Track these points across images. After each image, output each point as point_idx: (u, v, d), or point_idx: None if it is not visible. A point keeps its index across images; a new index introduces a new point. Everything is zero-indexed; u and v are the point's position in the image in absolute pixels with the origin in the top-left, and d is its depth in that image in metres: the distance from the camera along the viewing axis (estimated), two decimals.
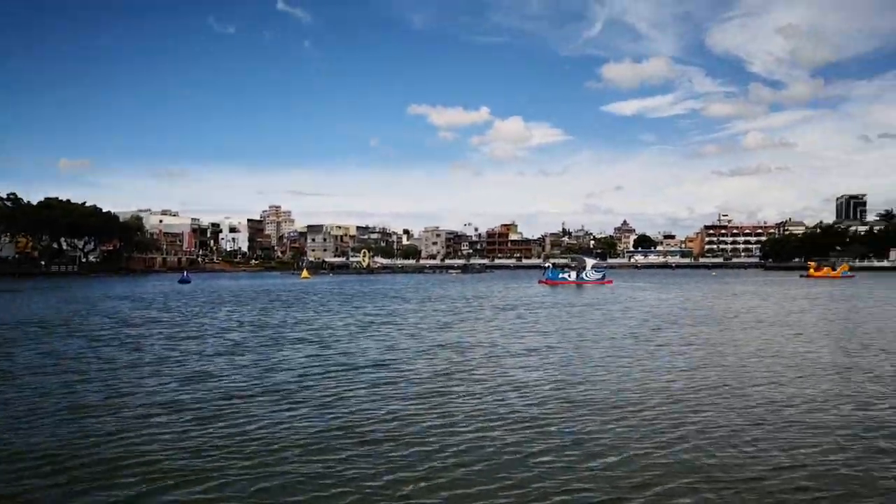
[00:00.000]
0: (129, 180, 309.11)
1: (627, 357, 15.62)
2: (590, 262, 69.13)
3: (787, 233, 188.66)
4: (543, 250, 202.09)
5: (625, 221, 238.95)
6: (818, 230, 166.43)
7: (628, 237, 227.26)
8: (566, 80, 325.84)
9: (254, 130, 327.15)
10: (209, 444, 8.26)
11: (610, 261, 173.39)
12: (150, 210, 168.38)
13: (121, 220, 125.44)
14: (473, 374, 13.31)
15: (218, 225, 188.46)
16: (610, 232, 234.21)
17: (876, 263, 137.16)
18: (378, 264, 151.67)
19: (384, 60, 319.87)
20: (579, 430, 8.89)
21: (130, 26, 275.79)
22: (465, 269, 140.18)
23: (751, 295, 44.29)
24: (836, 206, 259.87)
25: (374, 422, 9.37)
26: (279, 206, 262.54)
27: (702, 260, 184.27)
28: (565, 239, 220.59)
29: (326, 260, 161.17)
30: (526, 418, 9.56)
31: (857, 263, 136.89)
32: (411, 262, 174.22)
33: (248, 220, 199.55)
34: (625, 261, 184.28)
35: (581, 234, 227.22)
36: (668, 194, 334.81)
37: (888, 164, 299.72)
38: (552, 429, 8.97)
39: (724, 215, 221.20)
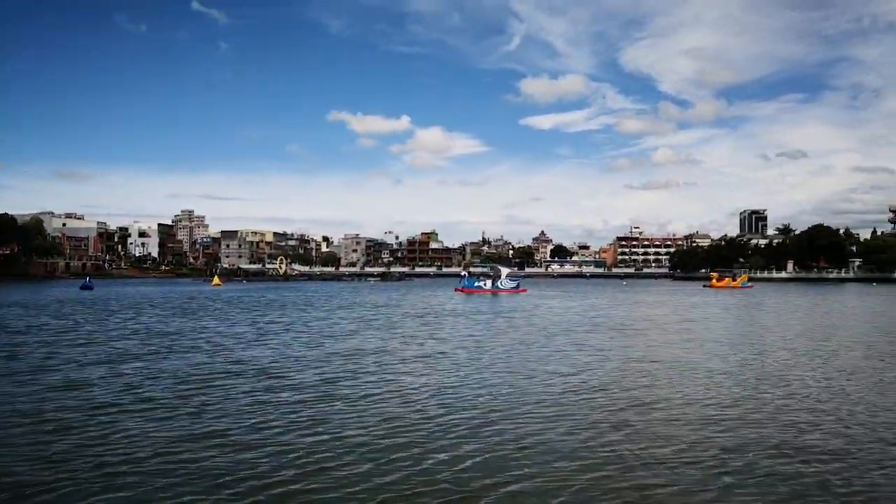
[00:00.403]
0: (31, 182, 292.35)
1: (515, 362, 16.04)
2: (505, 271, 70.08)
3: (694, 245, 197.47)
4: (464, 259, 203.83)
5: (542, 232, 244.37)
6: (723, 243, 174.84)
7: (546, 247, 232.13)
8: (486, 92, 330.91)
9: (166, 132, 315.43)
10: (64, 453, 7.98)
11: (528, 270, 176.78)
12: (52, 213, 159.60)
13: (19, 222, 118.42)
14: (359, 381, 13.35)
15: (126, 229, 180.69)
16: (528, 242, 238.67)
17: (775, 275, 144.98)
18: (295, 271, 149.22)
19: (303, 65, 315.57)
20: (446, 435, 9.07)
21: (34, 22, 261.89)
22: (384, 277, 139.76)
23: (651, 304, 46.18)
24: (740, 219, 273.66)
25: (243, 429, 9.27)
26: (192, 211, 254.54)
27: (614, 270, 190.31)
28: (485, 248, 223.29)
29: (241, 267, 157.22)
30: (399, 423, 9.69)
31: (758, 274, 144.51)
32: (330, 269, 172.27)
33: (159, 225, 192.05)
34: (542, 270, 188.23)
35: (500, 243, 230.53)
36: (583, 206, 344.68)
37: (786, 182, 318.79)
38: (422, 433, 9.13)
39: (635, 227, 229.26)
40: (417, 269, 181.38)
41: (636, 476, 7.37)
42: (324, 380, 13.41)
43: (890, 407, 11.13)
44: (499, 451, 8.29)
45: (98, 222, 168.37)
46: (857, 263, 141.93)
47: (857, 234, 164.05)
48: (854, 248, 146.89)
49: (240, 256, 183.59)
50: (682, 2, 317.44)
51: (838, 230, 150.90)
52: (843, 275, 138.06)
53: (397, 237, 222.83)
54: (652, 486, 7.07)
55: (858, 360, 16.93)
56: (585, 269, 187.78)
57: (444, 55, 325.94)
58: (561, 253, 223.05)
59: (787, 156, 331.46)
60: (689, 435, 9.16)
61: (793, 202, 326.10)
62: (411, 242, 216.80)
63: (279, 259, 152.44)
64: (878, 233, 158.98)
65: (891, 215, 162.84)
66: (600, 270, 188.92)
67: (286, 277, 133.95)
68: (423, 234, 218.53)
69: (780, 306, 43.16)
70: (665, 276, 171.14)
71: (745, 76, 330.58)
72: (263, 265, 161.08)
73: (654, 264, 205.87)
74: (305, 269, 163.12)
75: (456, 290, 65.12)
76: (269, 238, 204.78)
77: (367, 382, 13.20)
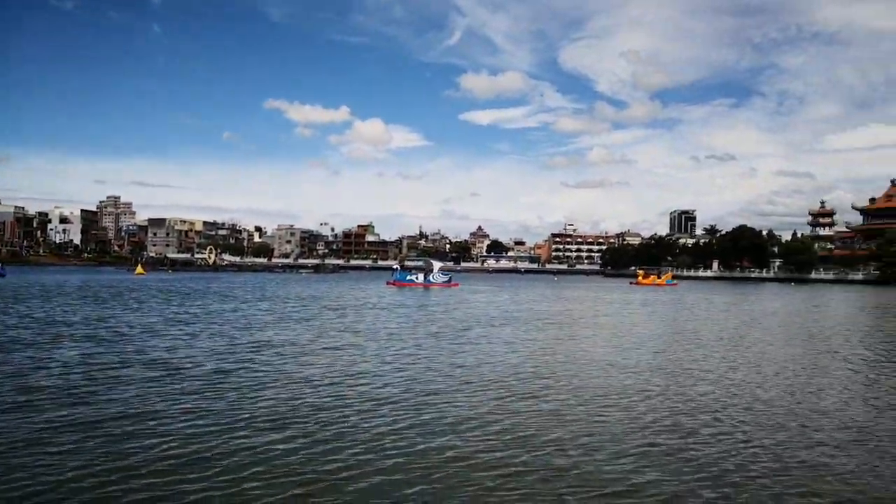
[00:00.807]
0: None
1: (423, 355, 16.03)
2: (437, 265, 70.11)
3: (625, 243, 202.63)
4: (400, 252, 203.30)
5: (480, 227, 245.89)
6: (652, 241, 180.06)
7: (482, 242, 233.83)
8: (426, 86, 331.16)
9: (93, 115, 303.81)
10: None
11: (464, 264, 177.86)
12: None
13: None
14: (254, 372, 13.07)
15: (46, 214, 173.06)
16: (466, 237, 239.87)
17: (701, 273, 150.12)
18: (225, 262, 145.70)
19: (241, 51, 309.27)
20: (324, 429, 8.94)
21: None
22: (317, 269, 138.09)
23: (574, 299, 47.06)
24: (670, 219, 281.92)
25: (121, 419, 8.92)
26: (118, 197, 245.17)
27: (548, 266, 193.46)
28: (422, 242, 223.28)
29: (169, 256, 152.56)
30: (285, 414, 9.51)
31: (685, 273, 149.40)
32: (262, 260, 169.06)
33: (83, 211, 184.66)
34: (478, 265, 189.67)
35: (437, 237, 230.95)
36: (521, 202, 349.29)
37: (715, 183, 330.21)
38: (309, 425, 8.99)
39: (569, 224, 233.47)
40: (353, 262, 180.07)
41: (504, 464, 7.44)
42: (219, 370, 13.06)
43: (759, 398, 11.60)
44: (373, 440, 8.25)
45: (15, 207, 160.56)
46: (777, 264, 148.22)
47: (780, 236, 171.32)
48: (776, 250, 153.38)
49: (168, 245, 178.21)
50: (621, 4, 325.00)
51: (761, 232, 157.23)
52: (764, 274, 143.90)
53: (333, 229, 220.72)
54: (521, 472, 7.14)
55: (745, 353, 17.67)
56: (520, 265, 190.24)
57: (385, 47, 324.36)
58: (497, 248, 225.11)
59: (716, 158, 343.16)
60: (568, 423, 9.30)
61: (721, 203, 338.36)
62: (347, 235, 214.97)
63: (208, 249, 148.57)
64: (799, 235, 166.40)
65: (810, 218, 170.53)
66: (534, 266, 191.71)
67: (215, 268, 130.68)
68: (359, 226, 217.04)
69: (695, 303, 44.60)
70: (597, 272, 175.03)
71: (679, 79, 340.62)
72: (192, 255, 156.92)
73: (586, 261, 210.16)
74: (236, 259, 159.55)
75: (388, 283, 64.83)
76: (199, 227, 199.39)
77: (262, 374, 12.92)
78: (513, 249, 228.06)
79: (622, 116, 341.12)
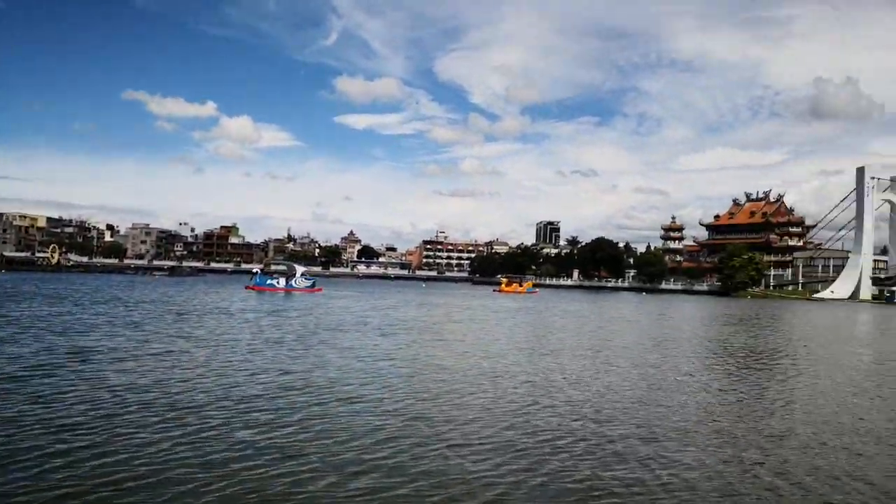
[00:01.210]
0: None
1: (252, 361, 15.41)
2: (300, 269, 68.11)
3: (493, 252, 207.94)
4: (266, 255, 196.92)
5: (351, 232, 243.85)
6: (519, 250, 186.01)
7: (354, 247, 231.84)
8: (300, 85, 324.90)
9: None
10: None
11: (333, 269, 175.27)
12: None
13: None
14: (58, 378, 11.88)
15: None
16: (337, 241, 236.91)
17: (562, 282, 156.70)
18: (71, 262, 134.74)
19: (98, 35, 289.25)
20: (122, 435, 8.21)
21: None
22: (173, 271, 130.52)
23: (435, 305, 47.36)
24: (537, 229, 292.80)
25: None
26: None
27: (418, 272, 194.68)
28: (290, 245, 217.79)
29: (5, 254, 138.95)
30: (80, 423, 8.58)
31: (547, 281, 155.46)
32: (114, 261, 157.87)
33: None
34: (347, 270, 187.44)
35: (306, 241, 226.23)
36: (394, 209, 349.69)
37: (578, 197, 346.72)
38: (98, 435, 8.21)
39: (441, 232, 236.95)
40: (214, 265, 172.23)
41: (297, 468, 7.11)
42: (13, 377, 11.73)
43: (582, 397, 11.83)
44: (167, 451, 7.65)
45: None
46: (632, 274, 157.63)
47: (636, 248, 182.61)
48: (632, 261, 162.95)
49: (4, 243, 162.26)
50: (496, 20, 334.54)
51: (617, 244, 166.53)
52: (619, 284, 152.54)
53: (193, 230, 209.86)
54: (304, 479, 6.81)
55: (572, 357, 18.28)
56: (391, 271, 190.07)
57: (257, 42, 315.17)
58: (368, 254, 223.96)
59: (581, 173, 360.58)
60: (377, 429, 9.06)
61: (584, 216, 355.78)
62: (209, 236, 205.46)
63: (51, 247, 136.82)
64: (652, 248, 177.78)
65: (662, 232, 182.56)
66: (405, 272, 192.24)
67: (58, 268, 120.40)
68: (222, 227, 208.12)
69: (545, 310, 46.31)
70: (465, 280, 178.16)
71: (548, 96, 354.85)
72: (33, 254, 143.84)
73: (456, 268, 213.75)
74: (84, 259, 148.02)
75: (247, 287, 62.22)
76: (42, 223, 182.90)
77: (66, 381, 11.80)
78: (384, 255, 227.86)
79: (495, 129, 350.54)
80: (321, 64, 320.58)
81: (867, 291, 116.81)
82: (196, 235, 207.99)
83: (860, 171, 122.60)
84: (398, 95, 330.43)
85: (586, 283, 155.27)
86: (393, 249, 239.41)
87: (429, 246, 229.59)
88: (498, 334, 25.63)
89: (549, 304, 58.28)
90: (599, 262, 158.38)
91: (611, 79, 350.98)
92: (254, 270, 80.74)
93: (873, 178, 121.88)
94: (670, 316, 46.03)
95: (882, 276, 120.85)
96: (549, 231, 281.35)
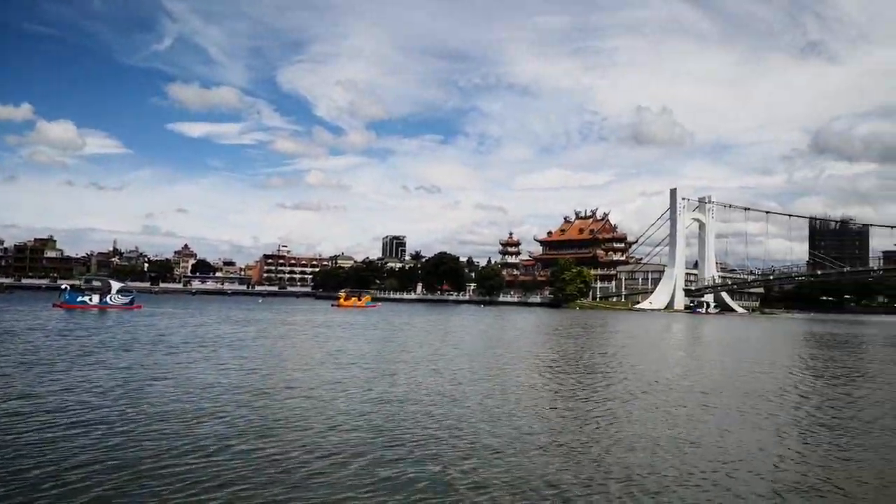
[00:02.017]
0: None
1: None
2: (116, 284, 62.53)
3: (337, 266, 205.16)
4: (88, 270, 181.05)
5: (185, 245, 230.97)
6: (363, 265, 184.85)
7: (187, 262, 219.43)
8: (129, 91, 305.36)
9: None
10: None
11: (164, 285, 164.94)
12: None
13: None
14: None
15: None
16: (169, 255, 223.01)
17: (405, 296, 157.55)
18: None
19: None
20: None
21: None
22: None
23: (259, 321, 45.36)
24: (383, 244, 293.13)
25: None
26: None
27: (258, 288, 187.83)
28: (115, 259, 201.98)
29: None
30: None
31: (391, 295, 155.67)
32: None
33: None
34: (180, 286, 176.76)
35: (134, 255, 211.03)
36: (233, 221, 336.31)
37: (423, 212, 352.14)
38: None
39: (283, 246, 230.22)
40: (26, 281, 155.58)
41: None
42: None
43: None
44: None
45: None
46: (472, 288, 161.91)
47: (478, 263, 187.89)
48: (473, 275, 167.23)
49: None
50: (342, 35, 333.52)
51: (459, 258, 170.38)
52: (460, 297, 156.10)
53: (2, 242, 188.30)
54: None
55: (379, 366, 17.73)
56: (228, 287, 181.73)
57: (82, 42, 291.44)
58: (204, 268, 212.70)
59: (425, 189, 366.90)
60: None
61: (429, 231, 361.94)
62: (20, 249, 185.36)
63: None
64: (492, 262, 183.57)
65: (500, 247, 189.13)
66: (243, 288, 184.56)
67: None
68: (37, 240, 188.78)
69: (376, 323, 45.78)
70: (308, 294, 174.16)
71: (393, 113, 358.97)
72: None
73: (299, 283, 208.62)
74: None
75: (54, 305, 56.16)
76: None
77: None
78: (221, 270, 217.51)
79: (340, 142, 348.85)
80: (153, 69, 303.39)
81: (681, 302, 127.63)
82: (6, 249, 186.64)
83: (673, 193, 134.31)
84: (238, 105, 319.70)
85: (429, 296, 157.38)
86: (231, 264, 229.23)
87: (270, 260, 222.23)
88: (313, 348, 24.60)
89: (385, 317, 57.87)
90: (442, 275, 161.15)
91: (453, 98, 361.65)
92: (63, 287, 73.39)
93: (684, 198, 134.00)
94: (490, 326, 47.18)
95: (693, 287, 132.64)
96: (394, 245, 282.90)
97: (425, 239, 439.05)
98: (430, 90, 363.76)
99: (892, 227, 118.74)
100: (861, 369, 23.84)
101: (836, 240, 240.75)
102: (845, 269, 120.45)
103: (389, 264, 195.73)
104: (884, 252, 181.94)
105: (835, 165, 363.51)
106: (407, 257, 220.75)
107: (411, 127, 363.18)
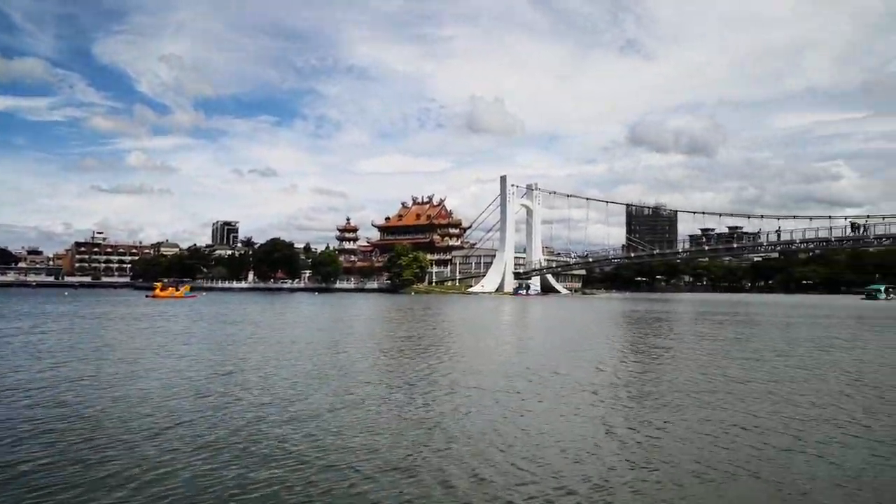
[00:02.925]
0: None
1: None
2: None
3: (160, 254, 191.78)
4: None
5: None
6: (187, 252, 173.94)
7: None
8: None
9: None
10: None
11: None
12: None
13: None
14: None
15: None
16: None
17: (235, 285, 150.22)
18: None
19: None
20: None
21: None
22: None
23: (47, 315, 40.22)
24: (213, 230, 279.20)
25: None
26: None
27: (69, 279, 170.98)
28: None
29: None
30: None
31: (220, 284, 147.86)
32: None
33: None
34: None
35: None
36: (41, 206, 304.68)
37: (259, 197, 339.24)
38: None
39: (99, 233, 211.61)
40: None
41: None
42: None
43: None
44: None
45: None
46: (308, 275, 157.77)
47: (316, 249, 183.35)
48: (311, 261, 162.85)
49: None
50: (167, 6, 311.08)
51: (292, 244, 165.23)
52: (295, 285, 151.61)
53: None
54: None
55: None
56: (32, 278, 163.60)
57: None
58: (5, 258, 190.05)
59: (259, 172, 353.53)
60: None
61: (265, 216, 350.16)
62: None
63: None
64: (330, 248, 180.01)
65: (338, 233, 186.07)
66: (51, 279, 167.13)
67: None
68: None
69: (177, 315, 42.26)
70: (127, 285, 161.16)
71: (224, 91, 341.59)
72: None
73: (117, 273, 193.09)
74: None
75: None
76: None
77: None
78: (25, 260, 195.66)
79: (165, 122, 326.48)
80: None
81: (511, 285, 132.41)
82: None
83: (503, 180, 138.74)
84: (46, 77, 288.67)
85: (262, 284, 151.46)
86: (37, 252, 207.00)
87: (83, 248, 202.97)
88: (84, 344, 21.57)
89: (206, 307, 53.94)
90: (276, 263, 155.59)
91: (289, 79, 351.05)
92: None
93: (514, 185, 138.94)
94: (307, 316, 45.40)
95: (521, 271, 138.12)
96: (226, 232, 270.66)
97: (261, 225, 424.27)
98: (265, 70, 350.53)
99: (694, 213, 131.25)
100: (668, 346, 24.94)
101: (649, 225, 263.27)
102: (654, 252, 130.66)
103: (218, 251, 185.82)
104: (690, 236, 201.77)
105: (649, 156, 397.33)
106: (239, 244, 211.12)
107: (244, 107, 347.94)
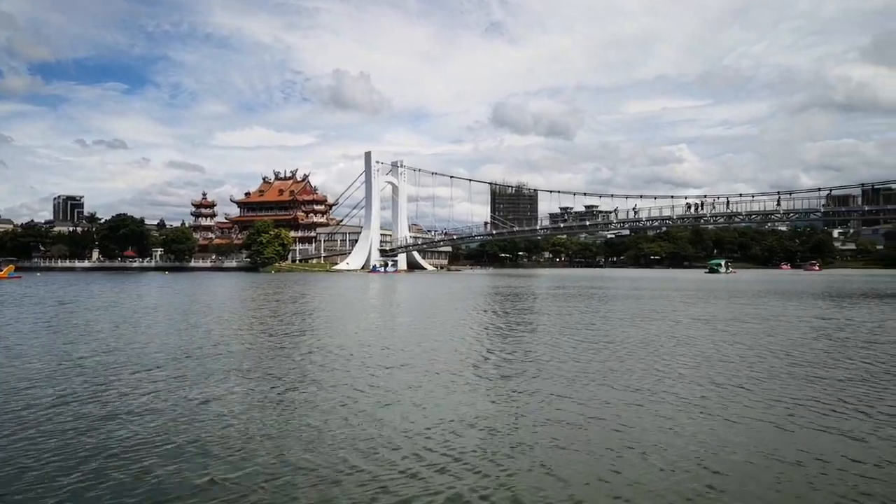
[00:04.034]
0: None
1: None
2: None
3: None
4: None
5: None
6: (20, 229, 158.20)
7: None
8: None
9: None
10: None
11: None
12: None
13: None
14: None
15: None
16: None
17: (78, 264, 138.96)
18: None
19: None
20: None
21: None
22: None
23: None
24: (55, 205, 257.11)
25: None
26: None
27: None
28: None
29: None
30: None
31: (59, 264, 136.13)
32: None
33: None
34: None
35: None
36: None
37: (107, 170, 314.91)
38: None
39: None
40: None
41: None
42: None
43: None
44: None
45: None
46: (159, 253, 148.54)
47: (172, 226, 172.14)
48: (163, 238, 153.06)
49: None
50: None
51: (142, 220, 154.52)
52: (146, 264, 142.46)
53: None
54: None
55: None
56: None
57: None
58: None
59: (106, 144, 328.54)
60: None
61: (115, 191, 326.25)
62: None
63: None
64: (187, 225, 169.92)
65: (194, 209, 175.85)
66: None
67: None
68: None
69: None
70: None
71: (65, 55, 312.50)
72: None
73: None
74: None
75: None
76: None
77: None
78: None
79: None
80: None
81: (378, 262, 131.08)
82: None
83: (367, 156, 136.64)
84: None
85: (108, 263, 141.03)
86: None
87: None
88: None
89: (24, 289, 48.47)
90: (123, 240, 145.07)
91: (140, 44, 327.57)
92: None
93: (378, 162, 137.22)
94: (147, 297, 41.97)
95: (388, 248, 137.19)
96: (69, 207, 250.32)
97: (110, 200, 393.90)
98: (112, 33, 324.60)
99: (551, 192, 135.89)
100: (531, 320, 24.73)
101: (513, 203, 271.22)
102: (514, 229, 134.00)
103: (59, 228, 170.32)
104: (550, 214, 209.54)
105: (511, 137, 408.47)
106: (84, 221, 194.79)
107: (88, 73, 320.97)
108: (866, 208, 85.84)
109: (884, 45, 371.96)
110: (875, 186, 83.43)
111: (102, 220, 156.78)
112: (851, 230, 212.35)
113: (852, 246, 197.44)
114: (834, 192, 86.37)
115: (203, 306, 32.06)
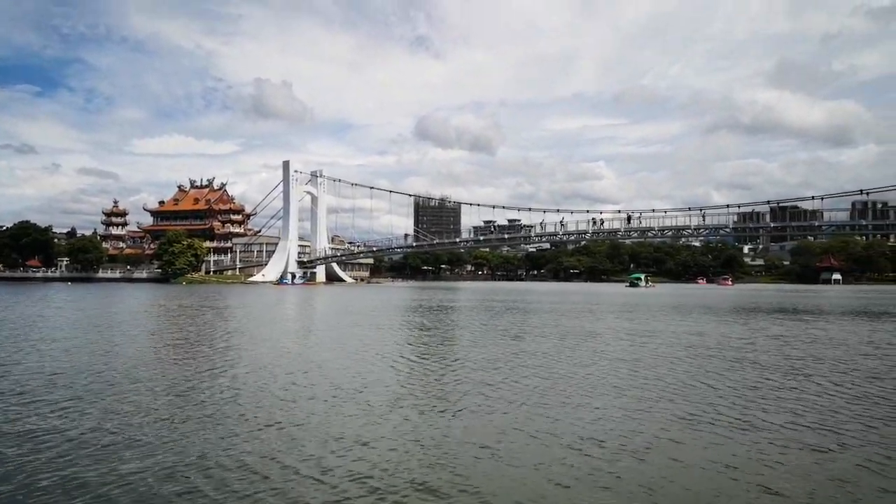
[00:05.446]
0: None
1: None
2: None
3: None
4: None
5: None
6: None
7: None
8: None
9: None
10: None
11: None
12: None
13: None
14: None
15: None
16: None
17: None
18: None
19: None
20: None
21: None
22: None
23: None
24: None
25: None
26: None
27: None
28: None
29: None
30: None
31: None
32: None
33: None
34: None
35: None
36: None
37: (11, 176, 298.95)
38: None
39: None
40: None
41: None
42: None
43: None
44: None
45: None
46: (65, 263, 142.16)
47: (83, 235, 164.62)
48: (69, 248, 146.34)
49: None
50: None
51: (48, 229, 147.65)
52: (50, 274, 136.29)
53: None
54: None
55: None
56: None
57: None
58: None
59: (13, 148, 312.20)
60: None
61: (22, 198, 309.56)
62: None
63: None
64: (97, 234, 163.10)
65: (104, 217, 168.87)
66: None
67: None
68: None
69: None
70: None
71: None
72: None
73: None
74: None
75: None
76: None
77: None
78: None
79: None
80: None
81: (298, 274, 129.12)
82: None
83: (286, 165, 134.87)
84: None
85: (8, 273, 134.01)
86: None
87: None
88: None
89: None
90: (25, 249, 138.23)
91: (53, 46, 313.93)
92: None
93: (297, 171, 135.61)
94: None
95: (306, 259, 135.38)
96: None
97: (15, 208, 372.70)
98: (22, 33, 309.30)
99: (471, 205, 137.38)
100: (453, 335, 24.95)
101: (436, 216, 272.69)
102: (435, 241, 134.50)
103: None
104: (474, 227, 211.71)
105: (435, 150, 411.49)
106: None
107: None
108: (773, 225, 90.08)
109: (787, 69, 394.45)
110: (781, 204, 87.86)
111: (4, 228, 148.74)
112: (760, 246, 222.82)
113: (761, 261, 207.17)
114: (742, 209, 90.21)
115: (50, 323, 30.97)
